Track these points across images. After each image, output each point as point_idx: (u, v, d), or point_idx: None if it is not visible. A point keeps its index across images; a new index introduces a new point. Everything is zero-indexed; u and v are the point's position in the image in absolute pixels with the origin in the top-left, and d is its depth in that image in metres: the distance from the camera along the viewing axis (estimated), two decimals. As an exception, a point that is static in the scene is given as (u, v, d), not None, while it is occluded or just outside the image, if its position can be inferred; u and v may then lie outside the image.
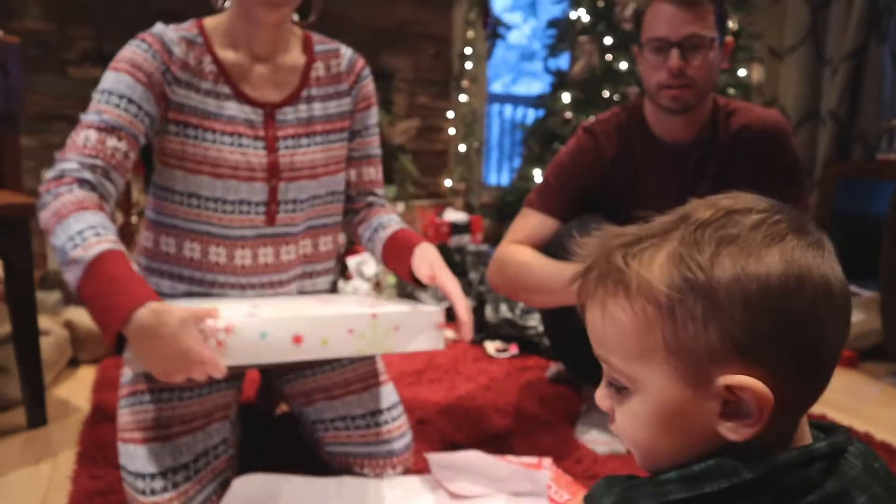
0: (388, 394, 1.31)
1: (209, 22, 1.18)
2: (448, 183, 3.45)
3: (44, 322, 1.91)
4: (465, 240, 3.02)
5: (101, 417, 1.58)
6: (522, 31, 13.17)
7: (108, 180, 1.05)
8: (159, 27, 1.14)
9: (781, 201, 1.41)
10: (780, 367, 0.47)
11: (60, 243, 0.96)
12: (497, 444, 1.49)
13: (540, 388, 1.84)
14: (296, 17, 1.22)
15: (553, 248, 1.44)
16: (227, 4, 1.20)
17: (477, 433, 1.56)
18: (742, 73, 3.02)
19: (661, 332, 0.48)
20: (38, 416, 1.57)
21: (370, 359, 1.34)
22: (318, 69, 1.24)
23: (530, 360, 2.05)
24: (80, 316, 2.00)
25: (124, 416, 1.14)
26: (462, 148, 3.42)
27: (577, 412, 1.66)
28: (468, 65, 3.37)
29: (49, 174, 1.03)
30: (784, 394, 0.47)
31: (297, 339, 1.01)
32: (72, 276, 0.95)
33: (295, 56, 1.23)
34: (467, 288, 2.44)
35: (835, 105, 3.06)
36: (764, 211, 0.49)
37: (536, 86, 3.36)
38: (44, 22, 2.62)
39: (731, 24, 2.90)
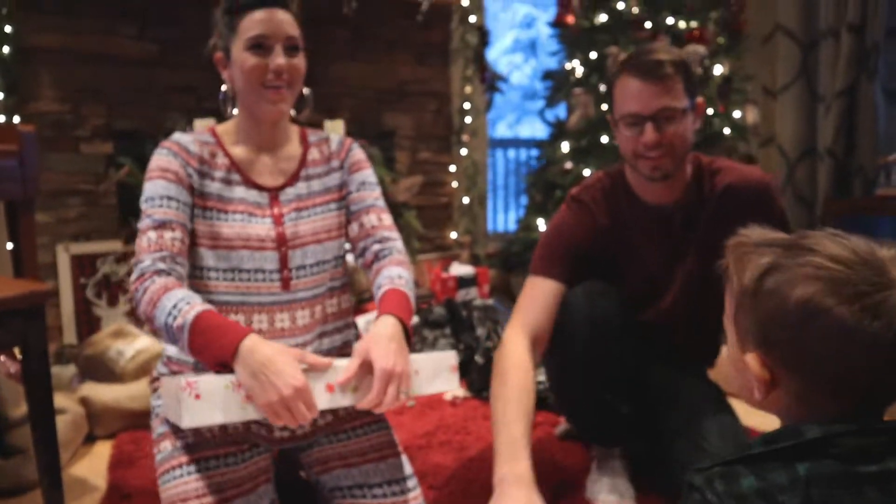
0: (404, 465, 1.35)
1: (219, 127, 1.36)
2: (453, 235, 3.50)
3: (59, 400, 1.94)
4: (471, 293, 3.06)
5: (118, 497, 1.61)
6: (524, 71, 13.40)
7: (176, 265, 1.21)
8: (176, 135, 1.31)
9: None
10: (784, 364, 0.65)
11: (162, 322, 1.13)
12: (508, 508, 1.50)
13: (550, 445, 1.85)
14: (293, 113, 1.36)
15: (562, 310, 1.46)
16: (234, 112, 1.35)
17: (487, 497, 1.57)
18: (737, 114, 3.08)
19: (734, 309, 0.71)
20: (55, 498, 1.59)
21: (385, 429, 1.37)
22: (314, 153, 1.39)
23: (539, 416, 2.05)
24: (96, 391, 2.05)
25: (172, 488, 1.19)
26: (466, 200, 3.48)
27: (587, 470, 1.66)
28: (468, 119, 3.45)
29: (132, 277, 1.20)
30: (789, 382, 0.66)
31: (330, 388, 1.13)
32: (181, 343, 1.11)
33: (293, 147, 1.38)
34: (475, 343, 2.46)
35: (830, 142, 3.10)
36: (825, 255, 0.64)
37: (540, 126, 3.42)
38: (57, 104, 2.72)
39: (723, 69, 2.97)
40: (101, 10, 2.75)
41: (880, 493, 0.59)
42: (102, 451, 1.93)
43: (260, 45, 1.23)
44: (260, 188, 1.31)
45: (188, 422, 1.05)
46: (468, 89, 3.42)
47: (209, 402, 1.06)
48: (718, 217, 1.43)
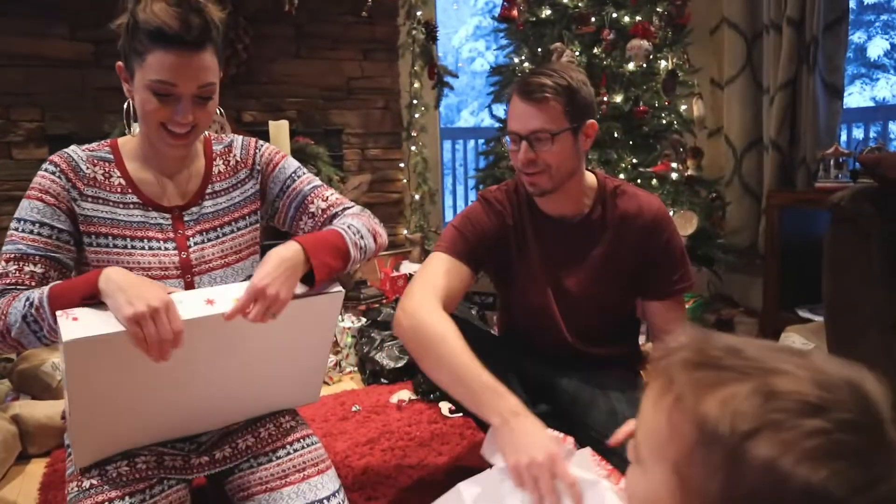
0: (328, 482, 1.29)
1: (121, 140, 1.26)
2: (405, 232, 3.48)
3: (-10, 419, 1.90)
4: (422, 291, 3.05)
5: (46, 521, 1.57)
6: (486, 58, 13.40)
7: None
8: (71, 148, 1.21)
9: (665, 278, 1.42)
10: None
11: (18, 319, 1.06)
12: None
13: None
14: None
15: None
16: (136, 130, 1.24)
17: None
18: (683, 108, 3.10)
19: (679, 453, 0.52)
20: (-20, 523, 1.56)
21: (310, 445, 1.34)
22: (219, 165, 1.31)
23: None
24: (29, 408, 1.99)
25: None
26: (417, 196, 3.46)
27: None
28: (416, 114, 3.42)
29: None
30: None
31: (210, 302, 1.08)
32: (45, 324, 1.05)
33: (198, 162, 1.29)
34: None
35: (774, 133, 3.14)
36: (835, 421, 0.48)
37: (502, 113, 3.39)
38: (-14, 108, 2.64)
39: (667, 63, 2.98)
40: (30, 9, 2.66)
41: None
42: (36, 471, 1.88)
43: (166, 94, 1.10)
44: (161, 209, 1.23)
45: (68, 336, 0.97)
46: (417, 85, 3.39)
47: (86, 320, 1.01)
48: (619, 238, 1.48)
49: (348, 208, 1.33)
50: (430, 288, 1.35)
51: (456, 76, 3.43)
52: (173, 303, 1.03)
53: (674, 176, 3.03)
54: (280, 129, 2.87)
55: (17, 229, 1.15)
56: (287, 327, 1.17)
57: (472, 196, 4.51)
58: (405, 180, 3.50)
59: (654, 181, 3.02)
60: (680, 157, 3.12)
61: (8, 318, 1.07)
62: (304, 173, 1.34)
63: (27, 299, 1.06)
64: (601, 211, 1.49)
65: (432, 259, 1.45)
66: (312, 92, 3.22)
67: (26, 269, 1.12)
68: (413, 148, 3.43)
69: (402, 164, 3.49)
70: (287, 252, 1.12)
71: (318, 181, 1.35)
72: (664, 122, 3.06)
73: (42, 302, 1.04)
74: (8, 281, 1.12)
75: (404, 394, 2.28)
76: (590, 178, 1.50)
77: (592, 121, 1.42)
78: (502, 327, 1.75)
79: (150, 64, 1.09)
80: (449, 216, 4.55)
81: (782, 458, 0.47)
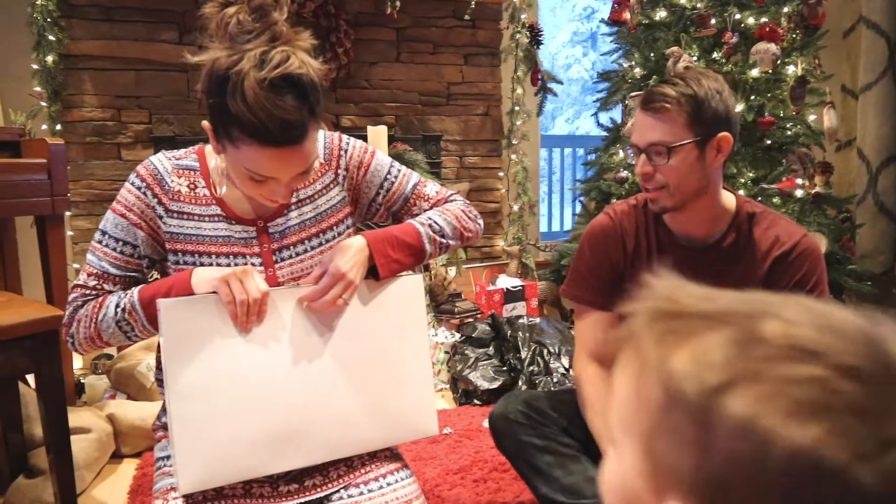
0: None
1: (209, 147, 1.19)
2: (502, 244, 3.35)
3: (87, 418, 1.91)
4: (519, 308, 2.90)
5: (132, 530, 1.54)
6: (583, 64, 13.09)
7: None
8: (158, 157, 1.17)
9: None
10: None
11: (111, 324, 1.10)
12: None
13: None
14: None
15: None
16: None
17: (521, 551, 1.43)
18: (812, 118, 2.82)
19: (647, 424, 0.41)
20: (70, 527, 1.55)
21: (402, 479, 1.23)
22: None
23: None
24: (123, 409, 2.00)
25: None
26: (515, 207, 3.32)
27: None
28: (518, 122, 3.29)
29: (65, 318, 1.15)
30: None
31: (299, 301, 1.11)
32: (139, 325, 1.09)
33: None
34: (518, 365, 2.31)
35: (920, 148, 2.81)
36: (834, 367, 0.36)
37: (608, 120, 3.21)
38: (99, 110, 2.71)
39: (795, 69, 2.71)
40: (141, 16, 2.73)
41: None
42: (127, 472, 1.88)
43: (263, 181, 1.05)
44: (244, 222, 1.17)
45: (166, 302, 1.03)
46: (519, 91, 3.25)
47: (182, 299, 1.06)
48: (749, 272, 1.33)
49: (449, 201, 1.29)
50: (586, 352, 1.44)
51: (560, 82, 3.28)
52: (254, 271, 1.08)
53: (799, 193, 2.76)
54: (378, 134, 2.81)
55: (101, 242, 1.14)
56: (369, 316, 1.17)
57: (571, 208, 4.33)
58: (504, 190, 3.37)
59: (777, 199, 2.76)
60: (807, 172, 2.84)
61: (100, 324, 1.11)
62: (399, 171, 1.27)
63: (117, 306, 1.10)
64: (734, 238, 1.36)
65: (577, 316, 1.49)
66: (412, 97, 3.15)
67: (105, 286, 1.14)
68: (513, 157, 3.29)
69: (501, 173, 3.36)
70: (358, 242, 1.15)
71: (415, 176, 1.28)
72: (790, 133, 2.80)
73: (135, 306, 1.08)
74: (87, 293, 1.13)
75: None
76: (728, 199, 1.36)
77: (725, 133, 1.28)
78: None
79: (245, 154, 1.00)
80: (544, 226, 4.39)
81: (762, 415, 0.35)
